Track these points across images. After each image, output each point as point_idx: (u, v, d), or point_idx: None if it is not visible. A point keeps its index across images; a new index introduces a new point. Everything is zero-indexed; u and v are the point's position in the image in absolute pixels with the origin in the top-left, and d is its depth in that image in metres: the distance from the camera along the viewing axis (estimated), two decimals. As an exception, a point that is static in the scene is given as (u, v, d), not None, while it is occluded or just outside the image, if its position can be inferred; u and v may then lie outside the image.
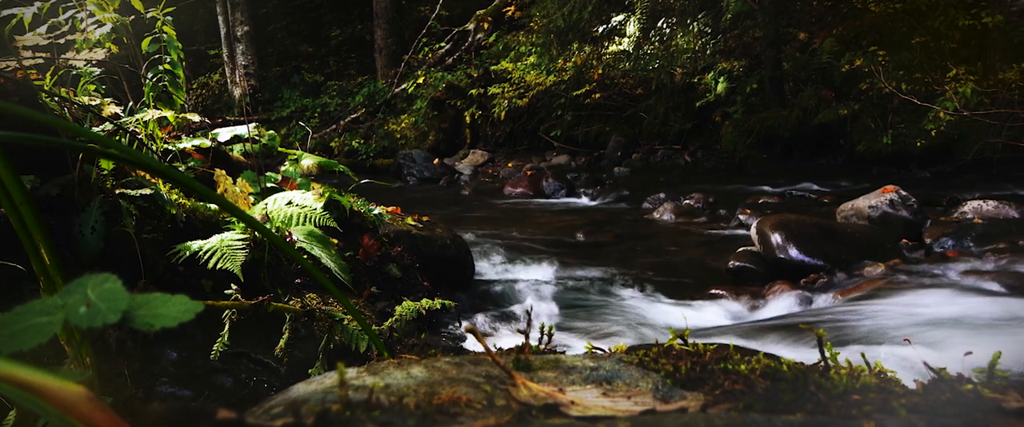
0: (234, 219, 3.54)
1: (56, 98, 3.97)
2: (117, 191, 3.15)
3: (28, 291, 2.62)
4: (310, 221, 3.61)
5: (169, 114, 4.09)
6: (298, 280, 3.58)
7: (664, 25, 14.76)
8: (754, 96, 12.93)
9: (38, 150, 2.98)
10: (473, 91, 17.14)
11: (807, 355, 3.71)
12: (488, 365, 1.11)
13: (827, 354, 1.13)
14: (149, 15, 4.43)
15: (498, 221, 8.68)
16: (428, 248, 4.76)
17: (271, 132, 5.08)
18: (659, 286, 5.29)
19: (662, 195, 9.31)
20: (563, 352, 1.29)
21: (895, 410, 0.94)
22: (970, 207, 6.61)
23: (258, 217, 3.61)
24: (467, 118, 17.05)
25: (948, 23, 10.83)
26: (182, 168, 4.31)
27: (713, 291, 5.09)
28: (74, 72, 4.37)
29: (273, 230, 3.47)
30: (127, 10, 4.47)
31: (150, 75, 4.44)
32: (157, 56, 4.45)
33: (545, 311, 4.80)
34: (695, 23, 14.54)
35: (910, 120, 10.68)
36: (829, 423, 0.90)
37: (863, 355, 1.21)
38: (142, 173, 3.38)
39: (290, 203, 3.70)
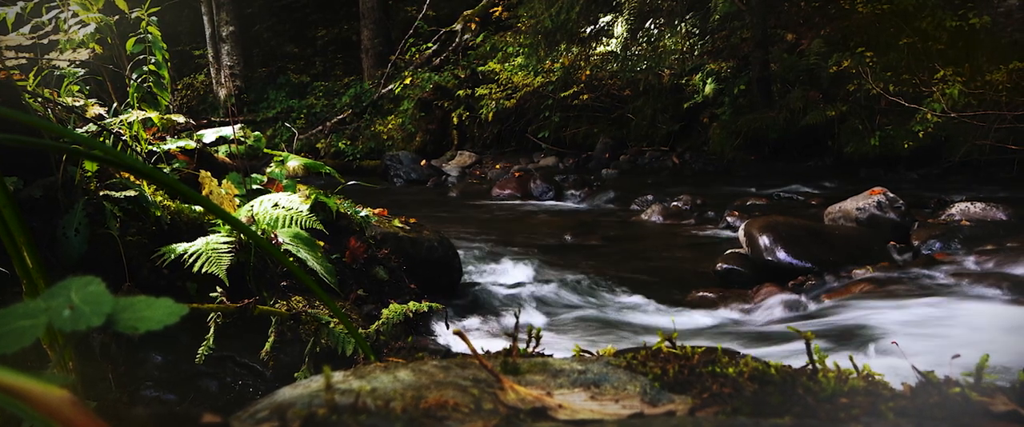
0: (219, 221, 3.52)
1: (39, 99, 3.95)
2: (101, 193, 3.13)
3: (10, 294, 2.61)
4: (296, 223, 3.60)
5: (154, 115, 4.08)
6: (284, 283, 3.56)
7: (652, 26, 14.80)
8: (742, 97, 12.96)
9: (21, 152, 2.96)
10: (460, 92, 17.14)
11: (795, 358, 3.71)
12: (475, 368, 1.10)
13: (815, 357, 1.13)
14: (133, 15, 4.42)
15: (486, 223, 8.68)
16: (415, 250, 4.75)
17: (257, 133, 5.06)
18: (647, 288, 5.29)
19: (650, 197, 9.32)
20: (551, 355, 1.29)
21: (883, 413, 0.94)
22: (957, 209, 6.63)
23: (244, 219, 3.59)
24: (454, 119, 17.04)
25: (935, 24, 10.88)
26: (167, 170, 4.29)
27: (701, 293, 5.09)
28: (58, 73, 4.35)
29: (259, 232, 3.46)
30: (111, 10, 4.45)
31: (135, 76, 4.42)
32: (142, 57, 4.44)
33: (533, 314, 4.80)
34: (683, 24, 14.58)
35: (898, 122, 10.72)
36: (817, 426, 0.90)
37: (851, 358, 1.21)
38: (126, 175, 3.37)
39: (276, 205, 3.69)
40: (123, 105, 4.55)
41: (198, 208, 3.63)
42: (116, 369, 2.79)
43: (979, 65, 10.48)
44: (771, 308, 4.73)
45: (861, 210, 6.26)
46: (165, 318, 0.81)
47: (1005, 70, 9.88)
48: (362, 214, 4.58)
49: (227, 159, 4.99)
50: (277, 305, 3.29)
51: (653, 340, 1.32)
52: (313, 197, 4.03)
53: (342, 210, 4.43)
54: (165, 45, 4.50)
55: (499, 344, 1.31)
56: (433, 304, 3.35)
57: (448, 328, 4.20)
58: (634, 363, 1.18)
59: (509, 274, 5.66)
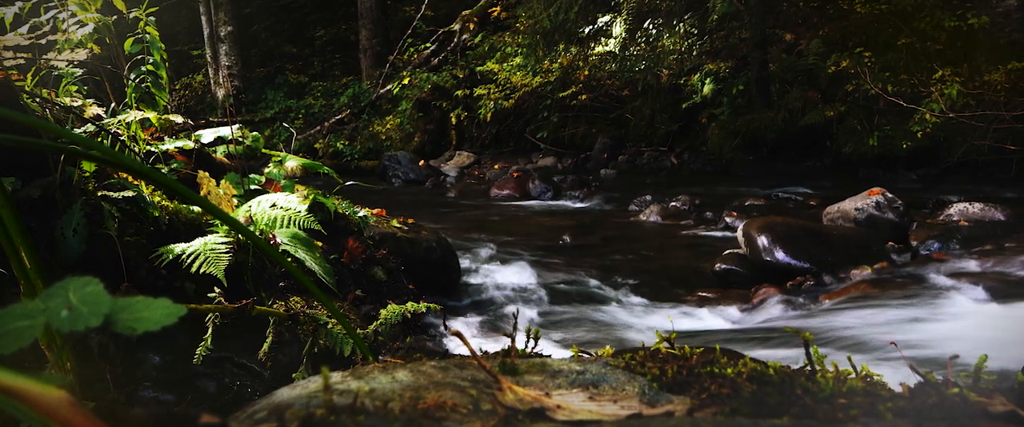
0: (217, 221, 3.52)
1: (37, 99, 3.95)
2: (99, 193, 3.13)
3: (9, 295, 2.60)
4: (294, 223, 3.59)
5: (152, 115, 4.08)
6: (282, 283, 3.56)
7: (650, 26, 14.79)
8: (740, 98, 12.95)
9: (19, 152, 2.96)
10: (459, 92, 17.14)
11: (793, 358, 3.71)
12: (474, 369, 1.10)
13: (813, 357, 1.13)
14: (131, 15, 4.41)
15: (484, 223, 8.67)
16: (413, 251, 4.75)
17: (255, 134, 5.06)
18: (645, 289, 5.28)
19: (648, 197, 9.31)
20: (549, 356, 1.29)
21: (881, 414, 0.94)
22: (956, 209, 6.63)
23: (242, 219, 3.59)
24: (453, 119, 17.04)
25: (934, 24, 10.88)
26: (165, 170, 4.29)
27: (699, 294, 5.09)
28: (56, 73, 4.35)
29: (257, 233, 3.45)
30: (109, 10, 4.45)
31: (132, 76, 4.42)
32: (140, 57, 4.43)
33: (531, 314, 4.79)
34: (681, 24, 14.58)
35: (896, 122, 10.71)
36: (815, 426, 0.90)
37: (850, 358, 1.21)
38: (124, 175, 3.37)
39: (274, 205, 3.69)
40: (121, 105, 4.55)
41: (196, 208, 3.63)
42: (114, 370, 2.79)
43: (977, 65, 10.49)
44: (769, 308, 4.73)
45: (859, 210, 6.26)
46: (163, 319, 0.81)
47: (1003, 70, 9.88)
48: (360, 214, 4.58)
49: (225, 159, 4.99)
50: (275, 306, 3.29)
51: (651, 340, 1.32)
52: (311, 197, 4.03)
53: (340, 210, 4.42)
54: (163, 45, 4.49)
55: (498, 344, 1.31)
56: (431, 305, 3.35)
57: (446, 329, 4.20)
58: (632, 364, 1.18)
59: (507, 274, 5.65)
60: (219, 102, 21.09)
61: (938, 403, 0.95)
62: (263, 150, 5.05)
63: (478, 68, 17.62)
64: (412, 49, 20.46)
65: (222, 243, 3.20)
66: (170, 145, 4.44)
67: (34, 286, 1.30)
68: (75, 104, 4.38)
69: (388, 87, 19.35)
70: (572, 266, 5.98)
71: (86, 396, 2.60)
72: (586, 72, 15.61)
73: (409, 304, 3.21)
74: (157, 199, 3.44)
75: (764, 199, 8.91)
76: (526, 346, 1.32)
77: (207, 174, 3.84)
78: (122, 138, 4.03)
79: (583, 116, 15.44)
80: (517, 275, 5.62)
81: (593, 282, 5.48)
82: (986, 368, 1.05)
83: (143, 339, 2.90)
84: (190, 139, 4.64)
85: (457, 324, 4.46)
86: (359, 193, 10.84)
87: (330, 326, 2.97)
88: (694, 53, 14.74)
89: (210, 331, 2.75)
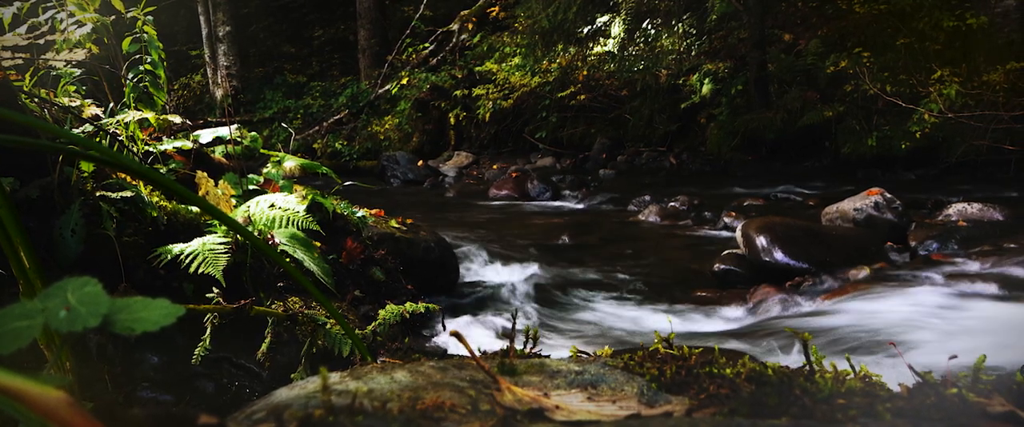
0: (216, 222, 3.52)
1: (36, 99, 3.94)
2: (98, 193, 3.13)
3: (7, 295, 2.60)
4: (293, 224, 3.59)
5: (150, 115, 4.07)
6: (281, 283, 3.56)
7: (649, 26, 14.79)
8: (739, 98, 12.94)
9: (18, 152, 2.96)
10: (457, 92, 17.13)
11: (792, 359, 3.72)
12: (472, 369, 1.10)
13: (812, 358, 1.13)
14: (130, 15, 4.41)
15: (483, 224, 8.67)
16: (412, 251, 4.75)
17: (253, 134, 5.06)
18: (644, 289, 5.28)
19: (647, 197, 9.30)
20: (548, 356, 1.29)
21: (880, 414, 0.94)
22: (954, 209, 6.62)
23: (240, 220, 3.59)
24: (451, 119, 17.03)
25: (932, 24, 10.87)
26: (163, 170, 4.29)
27: (698, 294, 5.09)
28: (54, 73, 4.34)
29: (255, 233, 3.45)
30: (107, 10, 4.44)
31: (131, 76, 4.41)
32: (138, 56, 4.43)
33: (530, 314, 4.79)
34: (680, 24, 14.57)
35: (895, 122, 10.71)
36: (815, 427, 0.90)
37: (848, 358, 1.21)
38: (123, 175, 3.36)
39: (272, 205, 3.68)
40: (119, 105, 4.55)
41: (194, 209, 3.63)
42: (112, 370, 2.79)
43: (976, 65, 10.48)
44: (768, 309, 4.73)
45: (858, 211, 6.25)
46: (161, 319, 0.81)
47: (1002, 70, 9.87)
48: (359, 215, 4.58)
49: (223, 159, 4.98)
50: (274, 306, 3.29)
51: (650, 341, 1.32)
52: (309, 198, 4.03)
53: (339, 211, 4.42)
54: (161, 45, 4.49)
55: (496, 344, 1.31)
56: (430, 305, 3.35)
57: (445, 329, 4.20)
58: (631, 364, 1.18)
59: (506, 274, 5.65)
60: (217, 102, 21.07)
61: (937, 403, 0.95)
62: (261, 150, 5.04)
63: (477, 68, 17.61)
64: (410, 49, 20.45)
65: (220, 243, 3.20)
66: (168, 145, 4.43)
67: (33, 286, 1.30)
68: (73, 104, 4.38)
69: (387, 87, 19.34)
70: (571, 266, 5.98)
71: (85, 396, 2.60)
72: (585, 72, 15.61)
73: (408, 304, 3.22)
74: (155, 199, 3.44)
75: (763, 199, 8.91)
76: (525, 346, 1.32)
77: (205, 174, 3.84)
78: (120, 138, 4.02)
79: (582, 116, 15.44)
80: (515, 275, 5.62)
81: (591, 282, 5.47)
82: (985, 368, 1.05)
83: (141, 339, 2.90)
84: (188, 139, 4.63)
85: (455, 324, 4.46)
86: (357, 193, 10.84)
87: (329, 326, 2.97)
88: (693, 53, 14.74)
89: (208, 331, 2.75)
